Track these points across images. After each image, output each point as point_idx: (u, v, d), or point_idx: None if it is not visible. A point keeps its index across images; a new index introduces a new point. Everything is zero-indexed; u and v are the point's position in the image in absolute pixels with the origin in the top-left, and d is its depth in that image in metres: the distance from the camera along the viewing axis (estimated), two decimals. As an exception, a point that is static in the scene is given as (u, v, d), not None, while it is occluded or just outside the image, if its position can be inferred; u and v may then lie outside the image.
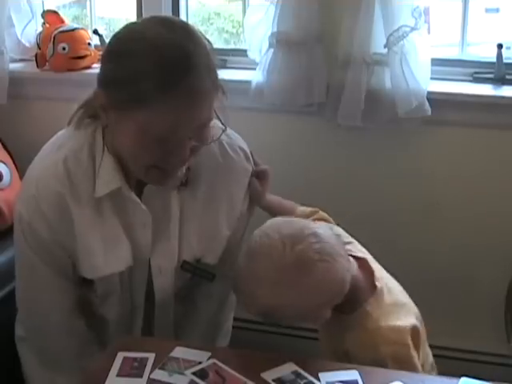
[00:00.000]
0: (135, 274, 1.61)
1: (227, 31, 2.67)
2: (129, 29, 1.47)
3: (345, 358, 1.48)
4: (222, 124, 1.50)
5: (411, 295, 1.55)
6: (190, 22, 2.40)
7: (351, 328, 1.49)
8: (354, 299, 1.48)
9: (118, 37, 1.45)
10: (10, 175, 2.18)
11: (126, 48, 1.40)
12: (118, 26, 1.79)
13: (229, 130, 1.56)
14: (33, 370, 1.75)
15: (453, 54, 2.27)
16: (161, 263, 1.61)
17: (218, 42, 2.60)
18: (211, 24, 2.68)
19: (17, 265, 1.64)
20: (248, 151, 1.68)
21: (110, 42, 1.45)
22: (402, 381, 1.38)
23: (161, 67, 1.35)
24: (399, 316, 1.49)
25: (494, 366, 2.22)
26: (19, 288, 1.66)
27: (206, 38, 1.45)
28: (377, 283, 1.52)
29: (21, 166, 2.25)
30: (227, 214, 1.65)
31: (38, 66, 2.41)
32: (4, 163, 2.18)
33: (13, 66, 2.44)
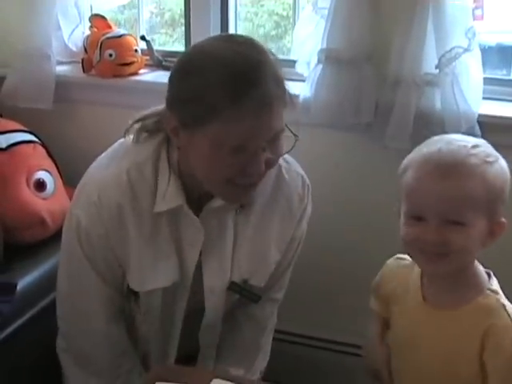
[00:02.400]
0: (178, 292, 1.62)
1: (277, 13, 2.61)
2: (194, 47, 1.48)
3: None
4: (294, 134, 1.49)
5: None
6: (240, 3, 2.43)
7: (483, 310, 1.39)
8: (480, 281, 1.43)
9: (184, 56, 1.47)
10: (54, 184, 2.18)
11: (193, 65, 1.42)
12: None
13: (286, 155, 1.55)
14: (73, 375, 1.77)
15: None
16: (213, 283, 1.62)
17: (267, 25, 2.56)
18: (261, 6, 2.62)
19: (63, 268, 1.66)
20: (306, 178, 1.67)
21: (177, 62, 1.46)
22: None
23: (230, 79, 1.36)
24: None
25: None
26: (62, 293, 1.67)
27: (270, 51, 1.46)
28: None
29: (65, 173, 2.26)
30: (278, 239, 1.66)
31: (84, 70, 2.40)
32: (48, 171, 2.18)
33: (59, 68, 2.43)
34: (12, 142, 2.15)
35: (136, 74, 2.41)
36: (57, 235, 2.12)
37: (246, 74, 1.37)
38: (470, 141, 1.39)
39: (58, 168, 2.25)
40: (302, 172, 1.67)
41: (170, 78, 1.46)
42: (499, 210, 1.37)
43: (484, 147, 1.38)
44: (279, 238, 1.66)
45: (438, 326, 1.43)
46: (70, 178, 2.26)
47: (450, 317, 1.42)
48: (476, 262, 1.44)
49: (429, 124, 2.02)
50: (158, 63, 2.44)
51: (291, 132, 1.49)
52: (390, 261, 1.59)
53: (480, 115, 2.02)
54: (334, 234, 2.20)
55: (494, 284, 1.44)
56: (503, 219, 1.38)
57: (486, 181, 1.33)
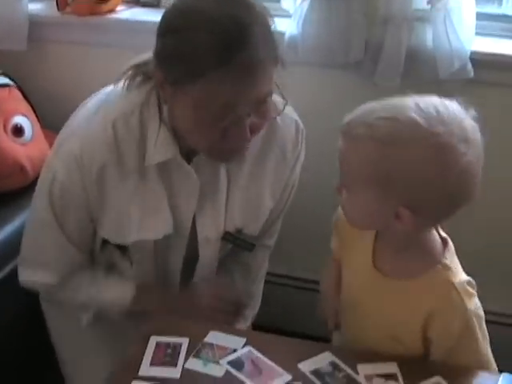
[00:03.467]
0: (173, 243, 1.59)
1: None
2: (183, 2, 1.40)
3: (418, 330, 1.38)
4: (283, 98, 1.45)
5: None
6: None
7: (431, 287, 1.35)
8: (432, 253, 1.38)
9: (172, 10, 1.39)
10: (32, 129, 2.11)
11: (180, 23, 1.35)
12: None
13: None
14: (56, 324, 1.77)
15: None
16: (207, 234, 1.60)
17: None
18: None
19: (30, 217, 1.63)
20: (300, 123, 1.62)
21: (165, 15, 1.39)
22: (441, 375, 1.35)
23: (217, 42, 1.30)
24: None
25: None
26: (25, 237, 1.65)
27: (262, 7, 1.38)
28: (444, 235, 1.42)
29: (42, 116, 2.19)
30: (272, 186, 1.63)
31: (58, 8, 2.30)
32: (25, 116, 2.10)
33: (31, 7, 2.34)
34: (-14, 86, 2.07)
35: (113, 11, 2.31)
36: (37, 183, 2.08)
37: (234, 36, 1.30)
38: (399, 116, 1.24)
39: (34, 111, 2.17)
40: (295, 117, 1.62)
41: (157, 31, 1.39)
42: (396, 196, 1.25)
43: (403, 125, 1.23)
44: (273, 184, 1.62)
45: (384, 293, 1.39)
46: (47, 122, 2.21)
47: (398, 286, 1.38)
48: (431, 232, 1.37)
49: (420, 62, 1.98)
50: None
51: (281, 95, 1.44)
52: (339, 222, 1.53)
53: (472, 52, 1.97)
54: (326, 175, 2.16)
55: (448, 256, 1.38)
56: (405, 212, 1.26)
57: (368, 158, 1.24)
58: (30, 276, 1.65)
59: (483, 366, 1.39)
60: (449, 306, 1.34)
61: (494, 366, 1.41)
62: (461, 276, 1.36)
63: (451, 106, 1.28)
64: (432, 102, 1.27)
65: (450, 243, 1.40)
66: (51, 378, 1.92)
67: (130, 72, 1.49)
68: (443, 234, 1.41)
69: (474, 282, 1.36)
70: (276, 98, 1.45)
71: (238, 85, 1.31)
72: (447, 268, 1.36)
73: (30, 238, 1.63)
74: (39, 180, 1.58)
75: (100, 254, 1.62)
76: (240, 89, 1.32)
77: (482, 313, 1.36)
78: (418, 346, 1.40)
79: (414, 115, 1.23)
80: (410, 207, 1.26)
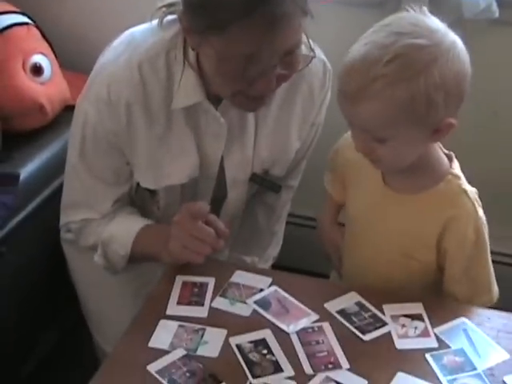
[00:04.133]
0: (200, 186, 1.59)
1: None
2: None
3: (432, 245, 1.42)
4: (311, 49, 1.42)
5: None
6: None
7: (445, 196, 1.38)
8: (441, 166, 1.41)
9: None
10: (51, 68, 2.08)
11: None
12: None
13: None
14: (78, 265, 1.77)
15: None
16: (235, 175, 1.60)
17: None
18: None
19: (67, 163, 1.62)
20: (328, 64, 1.60)
21: None
22: (467, 317, 1.36)
23: None
24: None
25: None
26: (65, 183, 1.65)
27: None
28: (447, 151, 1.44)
29: (61, 56, 2.16)
30: (299, 126, 1.61)
31: None
32: (44, 55, 2.08)
33: None
34: (4, 24, 2.03)
35: None
36: (56, 122, 2.08)
37: None
38: (392, 49, 1.23)
39: (53, 51, 2.14)
40: (323, 57, 1.59)
41: None
42: (435, 116, 1.27)
43: (403, 58, 1.23)
44: (300, 124, 1.61)
45: (397, 209, 1.41)
46: (66, 61, 2.19)
47: (410, 201, 1.40)
48: (436, 147, 1.40)
49: (445, 1, 1.93)
50: None
51: (309, 46, 1.41)
52: (348, 134, 1.51)
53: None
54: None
55: (456, 168, 1.42)
56: (450, 120, 1.29)
57: (397, 99, 1.23)
58: (70, 216, 1.64)
59: (490, 286, 1.44)
60: (463, 212, 1.38)
61: (496, 288, 1.45)
62: (469, 186, 1.40)
63: (417, 16, 1.32)
64: (408, 21, 1.29)
65: (455, 158, 1.43)
66: (72, 317, 1.95)
67: (159, 11, 1.47)
68: (446, 151, 1.43)
69: None
70: (304, 49, 1.42)
71: (261, 38, 1.28)
72: (457, 177, 1.40)
73: (69, 183, 1.63)
74: (72, 125, 1.57)
75: (135, 195, 1.62)
76: (264, 42, 1.29)
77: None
78: (432, 261, 1.43)
79: (411, 41, 1.24)
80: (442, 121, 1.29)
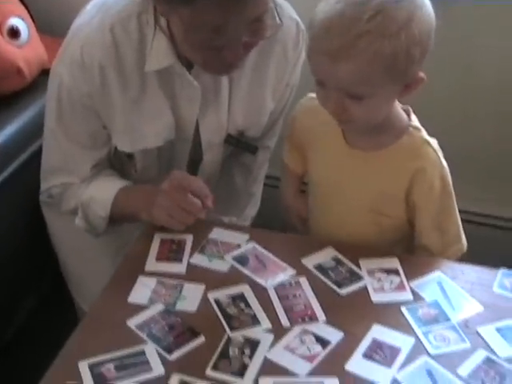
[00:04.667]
0: (177, 149, 1.60)
1: None
2: None
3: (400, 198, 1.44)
4: (278, 18, 1.41)
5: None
6: None
7: (409, 149, 1.41)
8: (401, 121, 1.43)
9: None
10: (28, 31, 2.06)
11: None
12: None
13: None
14: (58, 228, 1.78)
15: None
16: (211, 137, 1.60)
17: None
18: None
19: (44, 128, 1.62)
20: (301, 24, 1.59)
21: None
22: (442, 271, 1.38)
23: None
24: None
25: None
26: (44, 149, 1.66)
27: None
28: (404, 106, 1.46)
29: (38, 20, 2.14)
30: (273, 87, 1.62)
31: None
32: (21, 18, 2.06)
33: None
34: (-20, -13, 2.02)
35: None
36: (34, 85, 2.07)
37: None
38: (371, 5, 1.22)
39: (30, 14, 2.13)
40: (296, 17, 1.59)
41: None
42: (410, 72, 1.29)
43: (384, 15, 1.22)
44: (274, 85, 1.61)
45: (364, 168, 1.43)
46: (43, 25, 2.17)
47: (376, 158, 1.42)
48: (395, 103, 1.41)
49: None
50: None
51: (276, 15, 1.40)
52: (304, 100, 1.55)
53: None
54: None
55: (415, 120, 1.44)
56: (421, 74, 1.31)
57: (380, 56, 1.23)
58: (50, 182, 1.65)
59: (460, 234, 1.47)
60: (428, 163, 1.40)
61: (464, 239, 1.48)
62: (429, 137, 1.43)
63: None
64: None
65: (411, 112, 1.45)
66: (52, 281, 1.95)
67: None
68: (402, 105, 1.45)
69: None
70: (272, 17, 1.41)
71: (230, 10, 1.27)
72: (418, 129, 1.43)
73: (48, 148, 1.63)
74: (48, 89, 1.57)
75: (113, 159, 1.63)
76: (233, 13, 1.28)
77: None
78: (403, 216, 1.46)
79: None
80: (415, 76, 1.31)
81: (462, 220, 1.48)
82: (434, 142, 1.43)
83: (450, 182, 1.43)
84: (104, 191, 1.57)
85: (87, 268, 1.78)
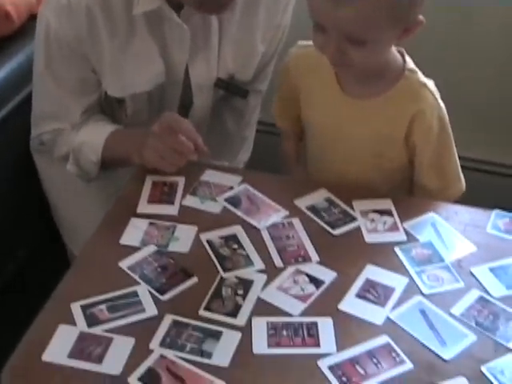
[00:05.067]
0: (167, 93, 1.58)
1: None
2: None
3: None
4: None
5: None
6: None
7: (407, 91, 1.40)
8: (397, 64, 1.42)
9: None
10: (16, -26, 2.02)
11: None
12: None
13: None
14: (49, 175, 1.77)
15: None
16: (201, 80, 1.59)
17: None
18: None
19: (34, 74, 1.61)
20: None
21: None
22: (435, 212, 1.38)
23: None
24: None
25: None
26: (34, 95, 1.64)
27: None
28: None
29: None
30: (264, 29, 1.59)
31: None
32: (9, -40, 2.01)
33: None
34: None
35: None
36: (23, 30, 2.02)
37: None
38: None
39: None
40: None
41: None
42: (412, 15, 1.27)
43: None
44: (264, 27, 1.59)
45: (363, 114, 1.42)
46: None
47: (373, 104, 1.41)
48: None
49: None
50: None
51: None
52: (295, 48, 1.52)
53: None
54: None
55: (410, 62, 1.43)
56: (420, 17, 1.29)
57: (385, 1, 1.21)
58: (41, 128, 1.64)
59: (459, 174, 1.48)
60: (427, 105, 1.40)
61: (463, 179, 1.49)
62: (426, 79, 1.42)
63: None
64: None
65: (405, 54, 1.43)
66: (45, 231, 1.94)
67: None
68: (397, 48, 1.43)
69: None
70: None
71: None
72: (414, 72, 1.42)
73: (37, 94, 1.62)
74: (36, 34, 1.55)
75: (104, 104, 1.61)
76: None
77: None
78: (403, 159, 1.46)
79: None
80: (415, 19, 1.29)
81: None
82: (430, 83, 1.42)
83: (448, 123, 1.43)
84: (95, 136, 1.55)
85: (79, 214, 1.77)
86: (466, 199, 1.46)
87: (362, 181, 1.45)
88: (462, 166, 1.49)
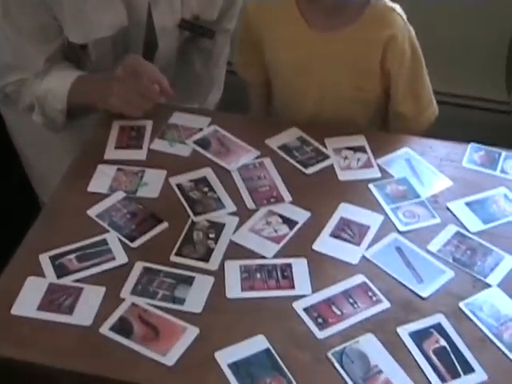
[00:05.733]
0: (131, 37, 1.54)
1: None
2: None
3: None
4: None
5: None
6: None
7: (377, 20, 1.39)
8: None
9: None
10: None
11: None
12: None
13: None
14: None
15: None
16: (164, 22, 1.54)
17: None
18: None
19: None
20: None
21: None
22: (410, 147, 1.35)
23: None
24: None
25: (493, 114, 2.22)
26: None
27: None
28: None
29: None
30: None
31: None
32: None
33: None
34: None
35: None
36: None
37: None
38: None
39: None
40: None
41: None
42: None
43: None
44: None
45: (333, 48, 1.39)
46: None
47: (343, 35, 1.38)
48: None
49: None
50: None
51: None
52: (249, 5, 1.49)
53: None
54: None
55: None
56: None
57: None
58: (4, 79, 1.58)
59: (431, 98, 1.47)
60: (397, 30, 1.38)
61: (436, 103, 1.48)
62: (392, 3, 1.40)
63: None
64: None
65: None
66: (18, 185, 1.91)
67: None
68: None
69: None
70: None
71: None
72: None
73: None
74: None
75: (68, 51, 1.56)
76: None
77: None
78: (378, 89, 1.44)
79: None
80: None
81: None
82: (397, 7, 1.40)
83: (418, 46, 1.41)
84: (59, 83, 1.51)
85: (49, 164, 1.73)
86: (443, 135, 1.44)
87: (338, 118, 1.42)
88: (438, 101, 1.47)
